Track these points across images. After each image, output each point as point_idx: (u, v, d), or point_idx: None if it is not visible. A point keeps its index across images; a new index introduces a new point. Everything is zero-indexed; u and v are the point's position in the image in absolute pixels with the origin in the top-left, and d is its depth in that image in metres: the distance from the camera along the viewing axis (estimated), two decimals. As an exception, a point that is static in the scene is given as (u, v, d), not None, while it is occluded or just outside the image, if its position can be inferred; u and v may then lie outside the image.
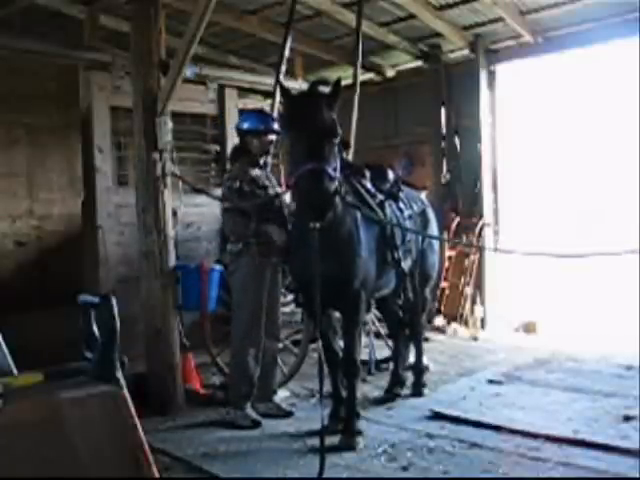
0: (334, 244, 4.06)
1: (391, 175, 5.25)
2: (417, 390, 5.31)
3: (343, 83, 4.01)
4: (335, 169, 3.78)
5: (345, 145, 5.12)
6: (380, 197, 4.77)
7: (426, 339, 6.54)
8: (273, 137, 4.93)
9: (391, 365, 5.64)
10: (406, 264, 4.88)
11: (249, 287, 4.71)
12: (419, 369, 5.40)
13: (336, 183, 3.79)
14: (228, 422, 4.74)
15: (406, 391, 5.32)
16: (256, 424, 4.70)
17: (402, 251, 4.78)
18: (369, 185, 4.75)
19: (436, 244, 5.66)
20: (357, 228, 4.26)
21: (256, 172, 4.83)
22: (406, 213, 5.06)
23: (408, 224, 5.00)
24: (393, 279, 4.85)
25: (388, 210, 4.78)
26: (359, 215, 4.29)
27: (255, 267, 4.68)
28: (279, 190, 5.03)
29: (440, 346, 7.05)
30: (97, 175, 6.18)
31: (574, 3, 6.66)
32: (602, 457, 3.90)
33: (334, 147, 3.82)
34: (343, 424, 4.34)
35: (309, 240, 3.81)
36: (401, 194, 5.16)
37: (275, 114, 6.22)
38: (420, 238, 5.20)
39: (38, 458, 2.03)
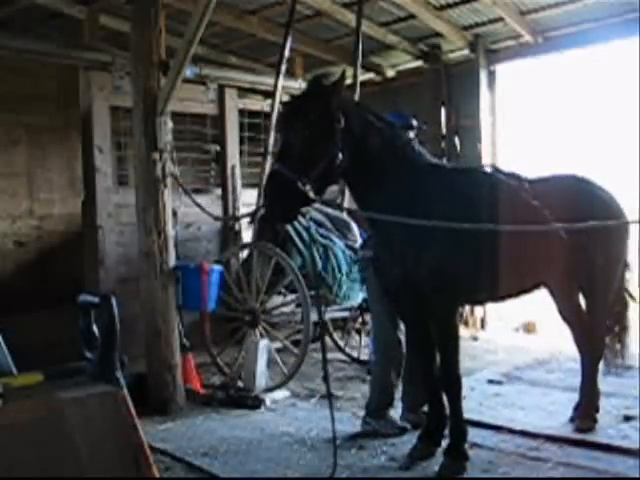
0: (410, 240, 3.66)
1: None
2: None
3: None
4: (304, 169, 3.46)
5: None
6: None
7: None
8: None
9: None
10: None
11: (376, 299, 4.46)
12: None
13: (300, 185, 3.42)
14: (370, 433, 4.44)
15: None
16: (403, 430, 4.43)
17: None
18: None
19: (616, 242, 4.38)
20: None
21: None
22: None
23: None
24: None
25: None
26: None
27: None
28: None
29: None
30: (97, 175, 6.19)
31: (574, 3, 6.65)
32: (602, 457, 3.89)
33: (306, 146, 3.48)
34: (448, 445, 3.89)
35: (384, 239, 3.76)
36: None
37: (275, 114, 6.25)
38: None
39: (38, 458, 2.03)
